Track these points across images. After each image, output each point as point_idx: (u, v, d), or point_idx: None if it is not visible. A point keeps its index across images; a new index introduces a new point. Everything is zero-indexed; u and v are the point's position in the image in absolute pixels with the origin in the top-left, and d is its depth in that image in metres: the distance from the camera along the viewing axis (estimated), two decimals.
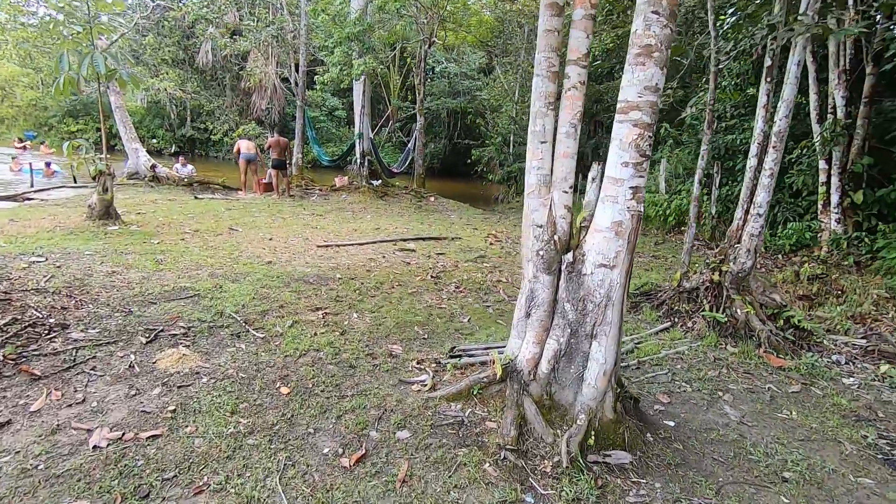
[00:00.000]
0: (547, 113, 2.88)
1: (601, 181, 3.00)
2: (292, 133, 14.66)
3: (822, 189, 8.95)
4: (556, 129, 2.94)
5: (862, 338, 4.89)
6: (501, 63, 19.40)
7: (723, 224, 10.37)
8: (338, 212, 11.17)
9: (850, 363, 4.58)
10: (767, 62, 4.83)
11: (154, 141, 24.91)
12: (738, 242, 4.94)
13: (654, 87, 2.54)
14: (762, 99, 4.85)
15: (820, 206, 9.03)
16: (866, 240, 8.23)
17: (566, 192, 2.99)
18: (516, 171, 18.68)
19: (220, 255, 6.28)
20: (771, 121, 4.81)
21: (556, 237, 2.96)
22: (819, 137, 8.88)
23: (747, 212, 4.97)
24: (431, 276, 6.27)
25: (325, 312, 4.69)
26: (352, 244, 7.71)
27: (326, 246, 7.44)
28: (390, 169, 15.57)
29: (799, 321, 4.75)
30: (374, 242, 7.95)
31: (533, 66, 2.87)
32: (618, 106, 2.65)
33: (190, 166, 13.35)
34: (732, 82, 11.50)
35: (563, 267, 2.92)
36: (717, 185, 10.47)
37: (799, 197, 9.72)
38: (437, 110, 26.53)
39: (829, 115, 8.88)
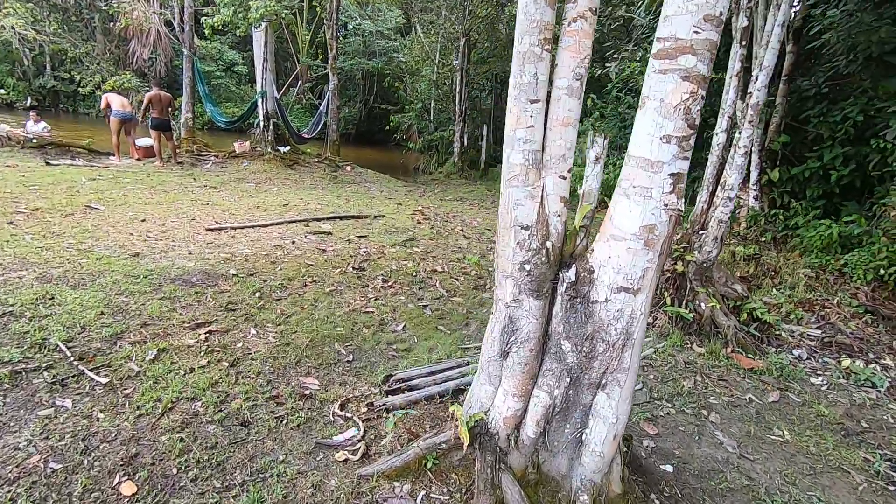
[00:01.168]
0: (542, 55, 1.85)
1: (602, 159, 2.07)
2: (182, 89, 12.31)
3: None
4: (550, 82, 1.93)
5: (817, 328, 4.58)
6: (422, 21, 17.87)
7: None
8: (237, 183, 9.43)
9: (811, 357, 4.22)
10: (743, 22, 4.17)
11: (1, 92, 20.34)
12: (703, 229, 4.36)
13: (718, 16, 1.61)
14: (734, 66, 4.20)
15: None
16: (781, 216, 8.27)
17: (564, 178, 2.01)
18: (438, 139, 17.57)
19: (62, 245, 4.61)
20: (744, 91, 4.17)
21: (549, 244, 1.99)
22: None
23: (713, 194, 4.39)
24: (353, 268, 5.11)
25: (210, 331, 3.41)
26: (253, 226, 6.27)
27: (219, 229, 5.95)
28: (300, 134, 13.74)
29: (762, 314, 4.31)
30: (282, 223, 6.56)
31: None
32: (655, 47, 1.70)
33: (42, 123, 10.62)
34: None
35: (562, 289, 1.97)
36: None
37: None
38: (351, 71, 24.41)
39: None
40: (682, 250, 4.35)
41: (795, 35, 8.46)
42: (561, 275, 1.97)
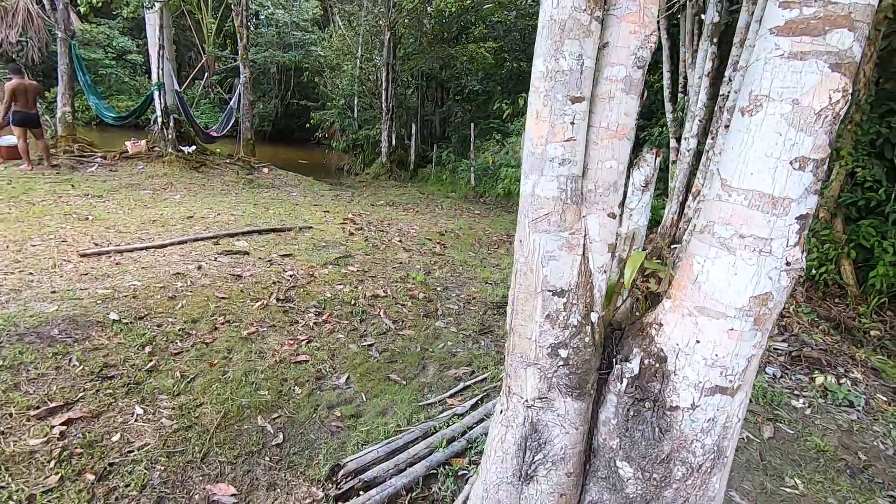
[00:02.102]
0: (590, 26, 1.15)
1: (652, 184, 1.44)
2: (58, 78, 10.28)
3: (673, 168, 8.91)
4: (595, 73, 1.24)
5: (782, 340, 4.36)
6: (342, 13, 16.68)
7: None
8: (128, 191, 7.90)
9: (785, 375, 3.96)
10: (713, 17, 3.79)
11: None
12: (676, 242, 3.95)
13: None
14: (704, 64, 3.81)
15: (671, 185, 9.02)
16: None
17: (613, 217, 1.33)
18: (363, 138, 16.53)
19: None
20: (715, 91, 3.79)
21: (594, 317, 1.31)
22: (671, 116, 8.76)
23: (684, 204, 3.99)
24: (278, 299, 4.16)
25: (70, 419, 2.37)
26: (146, 247, 5.05)
27: (99, 254, 4.69)
28: (208, 132, 12.13)
29: None
30: (185, 242, 5.38)
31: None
32: (777, 15, 1.06)
33: None
34: None
35: (619, 386, 1.29)
36: None
37: None
38: (265, 64, 22.50)
39: (679, 95, 8.74)
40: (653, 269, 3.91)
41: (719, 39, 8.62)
42: (619, 367, 1.29)
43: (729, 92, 3.45)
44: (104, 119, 11.66)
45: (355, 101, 17.27)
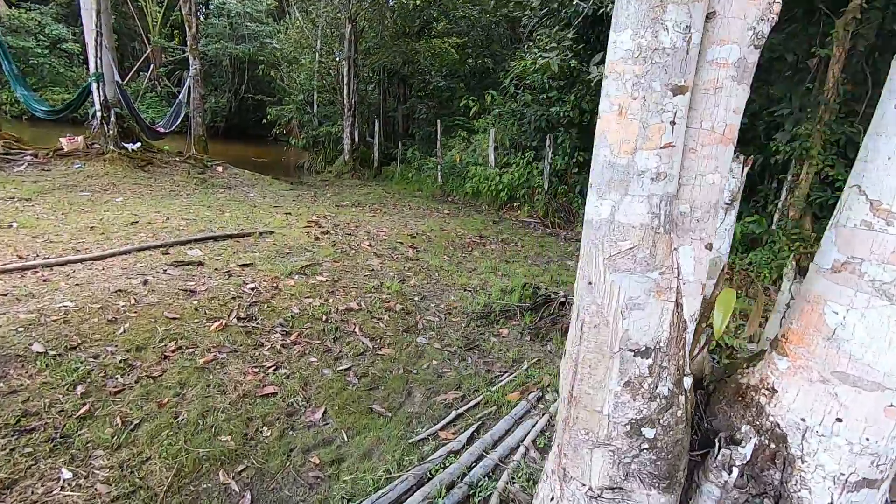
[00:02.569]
0: None
1: (738, 200, 1.12)
2: None
3: None
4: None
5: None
6: (299, 4, 15.88)
7: (555, 201, 9.84)
8: (63, 192, 7.06)
9: None
10: None
11: None
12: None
13: None
14: None
15: None
16: None
17: (709, 249, 1.01)
18: (324, 135, 15.84)
19: None
20: None
21: (687, 382, 0.99)
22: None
23: None
24: (239, 317, 3.66)
25: None
26: (82, 259, 4.40)
27: (23, 269, 4.03)
28: (154, 128, 11.16)
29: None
30: (128, 252, 4.75)
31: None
32: None
33: None
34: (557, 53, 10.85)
35: (724, 477, 0.97)
36: (549, 160, 9.80)
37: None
38: (217, 56, 21.26)
39: None
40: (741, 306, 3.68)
41: None
42: (727, 451, 0.96)
43: None
44: (35, 113, 10.54)
45: (315, 97, 16.52)
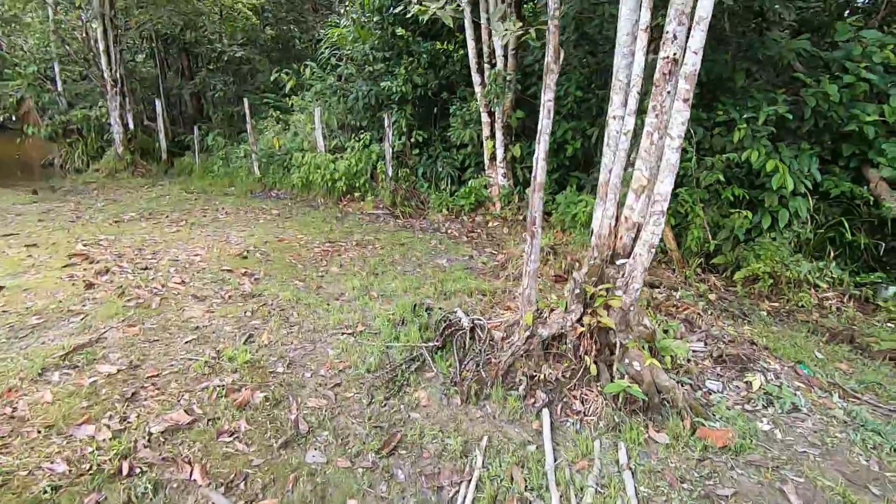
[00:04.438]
0: None
1: None
2: None
3: (489, 143, 8.30)
4: None
5: (699, 341, 3.89)
6: None
7: (402, 189, 8.70)
8: None
9: (724, 387, 3.40)
10: None
11: None
12: (618, 255, 2.94)
13: None
14: (639, 17, 2.78)
15: (487, 161, 8.44)
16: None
17: None
18: (79, 120, 11.72)
19: None
20: (653, 51, 2.82)
21: None
22: (480, 88, 8.06)
23: (621, 205, 2.99)
24: None
25: None
26: None
27: None
28: None
29: (677, 349, 3.29)
30: None
31: None
32: None
33: None
34: (372, 19, 9.47)
35: None
36: (390, 141, 8.56)
37: (457, 150, 8.95)
38: None
39: (486, 66, 8.06)
40: (604, 293, 2.85)
41: (517, 5, 8.06)
42: None
43: (687, 57, 2.46)
44: None
45: (57, 69, 12.05)
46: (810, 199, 5.33)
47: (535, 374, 2.94)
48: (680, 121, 2.54)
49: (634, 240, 2.81)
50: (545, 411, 2.72)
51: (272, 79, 9.91)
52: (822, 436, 2.80)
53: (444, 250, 6.11)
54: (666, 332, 3.76)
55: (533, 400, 2.82)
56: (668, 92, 2.56)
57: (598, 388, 2.81)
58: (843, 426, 2.91)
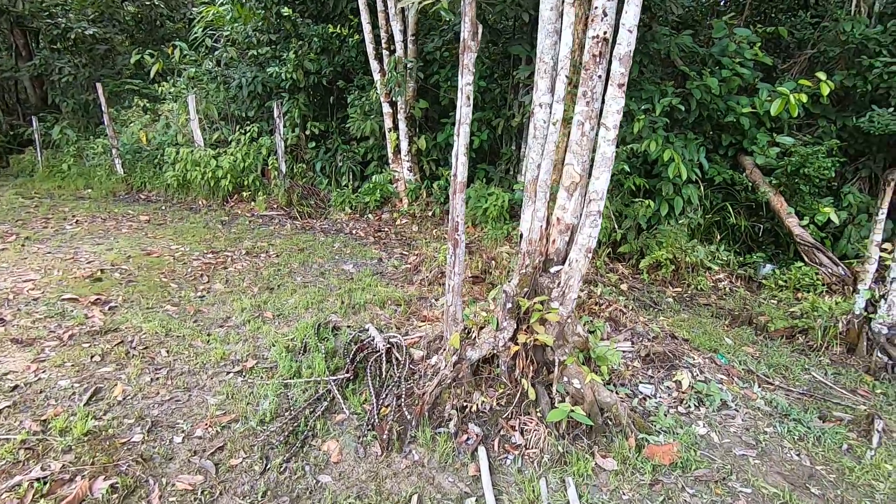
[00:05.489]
0: None
1: None
2: None
3: (392, 136, 7.69)
4: None
5: (626, 340, 3.72)
6: None
7: (298, 186, 7.78)
8: None
9: (656, 389, 3.24)
10: None
11: None
12: (561, 263, 2.57)
13: None
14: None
15: (391, 155, 7.83)
16: (435, 187, 7.69)
17: None
18: None
19: None
20: (582, 33, 2.45)
21: None
22: (380, 77, 7.41)
23: (552, 206, 2.62)
24: None
25: None
26: None
27: None
28: None
29: (611, 356, 3.05)
30: None
31: None
32: None
33: None
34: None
35: None
36: (282, 134, 7.59)
37: (358, 143, 8.22)
38: None
39: (384, 52, 7.42)
40: (540, 306, 2.46)
41: None
42: None
43: (620, 40, 2.11)
44: None
45: None
46: (700, 186, 5.55)
47: (466, 404, 2.50)
48: (615, 109, 2.21)
49: (569, 244, 2.46)
50: (481, 449, 2.29)
51: (133, 61, 8.32)
52: (754, 433, 2.71)
53: (350, 254, 5.46)
54: (592, 332, 3.54)
55: (466, 436, 2.37)
56: (600, 76, 2.22)
57: (538, 415, 2.44)
58: (768, 418, 2.86)
